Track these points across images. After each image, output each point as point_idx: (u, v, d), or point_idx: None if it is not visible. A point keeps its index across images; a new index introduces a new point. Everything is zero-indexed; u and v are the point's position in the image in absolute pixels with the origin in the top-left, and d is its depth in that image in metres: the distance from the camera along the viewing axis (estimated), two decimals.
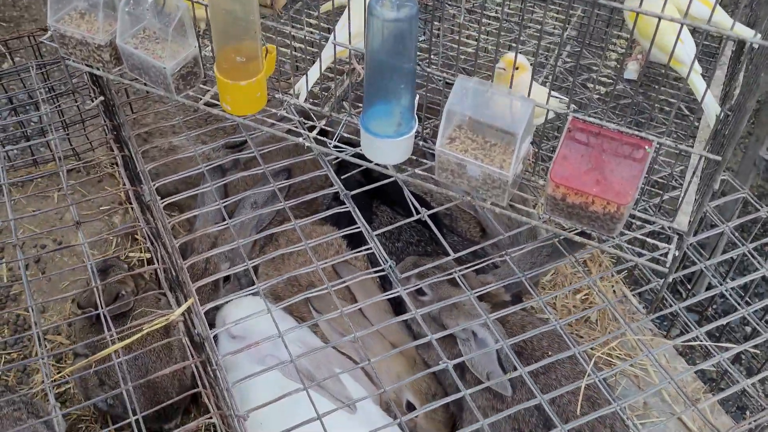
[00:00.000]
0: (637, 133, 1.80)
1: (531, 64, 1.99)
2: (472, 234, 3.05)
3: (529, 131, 1.88)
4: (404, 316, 2.15)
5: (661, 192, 2.06)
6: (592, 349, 2.97)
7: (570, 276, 3.29)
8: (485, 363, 2.39)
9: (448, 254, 2.22)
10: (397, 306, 2.82)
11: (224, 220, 2.88)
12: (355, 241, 2.80)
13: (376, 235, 2.27)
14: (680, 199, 1.94)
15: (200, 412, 2.84)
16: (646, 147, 1.78)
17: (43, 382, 1.97)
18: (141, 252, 3.37)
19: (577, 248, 2.38)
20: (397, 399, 2.64)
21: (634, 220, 2.01)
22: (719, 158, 1.74)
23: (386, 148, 2.04)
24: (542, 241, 2.48)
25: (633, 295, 3.00)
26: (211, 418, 1.95)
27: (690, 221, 1.92)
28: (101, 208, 3.56)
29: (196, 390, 2.00)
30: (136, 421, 1.91)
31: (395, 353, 2.63)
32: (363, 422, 2.44)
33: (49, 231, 3.45)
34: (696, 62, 1.97)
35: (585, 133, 1.83)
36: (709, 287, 2.61)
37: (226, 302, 2.76)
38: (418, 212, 2.32)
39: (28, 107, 3.77)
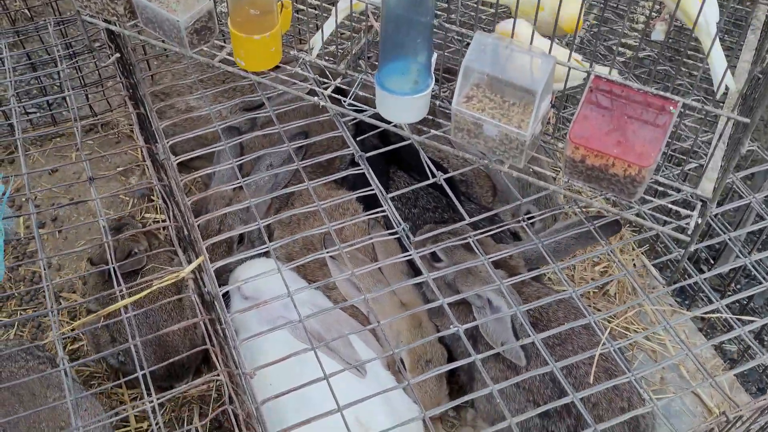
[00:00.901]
0: (662, 93, 1.72)
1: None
2: (487, 201, 2.99)
3: (548, 90, 1.81)
4: (416, 279, 2.11)
5: (685, 158, 1.99)
6: (609, 321, 2.92)
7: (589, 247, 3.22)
8: (499, 331, 2.35)
9: (464, 220, 2.17)
10: (418, 273, 2.79)
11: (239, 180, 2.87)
12: (372, 205, 2.76)
13: (390, 198, 2.23)
14: (705, 164, 1.87)
15: (210, 371, 2.83)
16: (671, 108, 1.71)
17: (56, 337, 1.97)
18: (157, 212, 3.36)
19: (608, 233, 2.32)
20: (393, 358, 2.62)
21: (656, 186, 1.95)
22: (747, 120, 1.66)
23: (402, 105, 1.98)
24: (569, 225, 2.42)
25: (653, 267, 2.94)
26: (218, 375, 1.93)
27: (715, 188, 1.85)
28: (118, 169, 3.56)
29: (204, 347, 1.98)
30: (144, 375, 1.89)
31: (401, 311, 2.62)
32: (372, 386, 2.42)
33: (66, 189, 3.46)
34: (713, 25, 1.89)
35: (607, 93, 1.76)
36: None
37: (239, 263, 2.76)
38: (433, 175, 2.27)
39: (46, 65, 3.75)
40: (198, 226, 2.85)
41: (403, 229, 2.18)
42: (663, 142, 1.72)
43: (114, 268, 2.11)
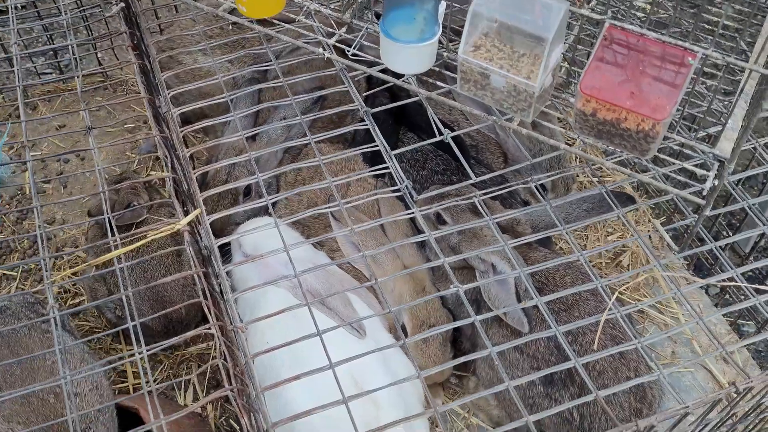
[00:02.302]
0: (680, 43, 1.62)
1: None
2: (498, 167, 2.91)
3: (560, 38, 1.72)
4: (418, 237, 2.03)
5: (698, 116, 1.89)
6: (620, 293, 2.84)
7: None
8: (502, 296, 2.28)
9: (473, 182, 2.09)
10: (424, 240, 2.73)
11: (252, 137, 2.81)
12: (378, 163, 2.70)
13: (396, 157, 2.15)
14: (724, 122, 1.77)
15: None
16: (689, 59, 1.61)
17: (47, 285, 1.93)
18: (162, 171, 3.30)
19: (624, 203, 2.23)
20: (394, 320, 2.56)
21: (670, 145, 1.85)
22: None
23: (407, 54, 1.90)
24: (582, 198, 2.34)
25: (668, 238, 2.84)
26: (209, 328, 1.88)
27: (734, 148, 1.75)
28: (126, 126, 3.51)
29: (198, 300, 1.93)
30: (135, 327, 1.85)
31: (405, 275, 2.56)
32: (372, 345, 2.36)
33: (72, 145, 3.43)
34: None
35: (622, 43, 1.66)
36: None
37: (241, 217, 2.71)
38: (441, 133, 2.19)
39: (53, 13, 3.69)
40: (206, 178, 2.82)
41: (406, 186, 2.11)
42: (679, 95, 1.63)
43: (109, 218, 2.06)
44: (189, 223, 2.10)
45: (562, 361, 2.27)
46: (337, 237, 2.63)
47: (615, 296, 1.93)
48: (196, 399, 2.62)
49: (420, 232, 2.75)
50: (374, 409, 2.23)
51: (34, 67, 3.71)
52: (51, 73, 3.84)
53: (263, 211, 2.88)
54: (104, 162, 3.37)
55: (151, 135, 2.35)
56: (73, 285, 2.90)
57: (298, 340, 1.81)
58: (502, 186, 2.19)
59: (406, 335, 2.53)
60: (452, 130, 2.27)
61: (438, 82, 2.10)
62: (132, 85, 3.67)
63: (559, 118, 2.06)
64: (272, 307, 2.29)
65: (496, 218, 2.04)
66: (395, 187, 2.11)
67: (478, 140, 2.96)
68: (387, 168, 2.15)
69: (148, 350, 1.81)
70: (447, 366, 1.91)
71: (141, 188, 2.64)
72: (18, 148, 3.39)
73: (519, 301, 2.24)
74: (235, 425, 2.55)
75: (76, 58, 2.51)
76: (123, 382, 2.62)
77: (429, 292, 2.56)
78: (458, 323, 1.92)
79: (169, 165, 2.26)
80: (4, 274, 2.96)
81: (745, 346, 2.92)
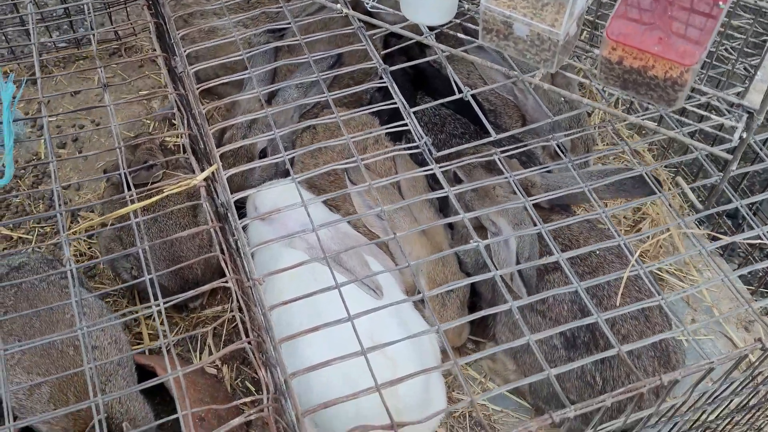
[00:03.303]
0: None
1: None
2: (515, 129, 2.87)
3: None
4: (438, 193, 2.00)
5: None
6: (641, 257, 2.80)
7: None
8: (504, 258, 2.26)
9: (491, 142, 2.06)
10: (441, 201, 2.70)
11: (269, 97, 2.78)
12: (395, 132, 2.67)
13: (413, 112, 2.12)
14: (754, 71, 1.72)
15: (226, 294, 2.79)
16: (720, 3, 1.56)
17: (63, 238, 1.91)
18: (178, 137, 3.29)
19: (648, 190, 2.19)
20: (412, 283, 2.54)
21: (697, 96, 1.81)
22: None
23: (427, 4, 1.86)
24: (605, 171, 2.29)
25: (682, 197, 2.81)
26: (226, 282, 1.86)
27: (763, 99, 1.70)
28: (141, 93, 3.49)
29: (214, 254, 1.91)
30: (151, 280, 1.84)
31: (423, 239, 2.54)
32: (390, 309, 2.34)
33: (87, 112, 3.42)
34: None
35: None
36: None
37: (257, 176, 2.70)
38: (461, 91, 2.15)
39: None
40: (222, 137, 2.80)
41: (425, 143, 2.08)
42: (709, 41, 1.58)
43: (125, 173, 2.05)
44: (205, 180, 2.08)
45: (586, 325, 2.26)
46: (354, 200, 2.61)
47: (638, 252, 1.90)
48: (212, 360, 2.61)
49: (441, 201, 2.73)
50: (392, 367, 2.21)
51: (48, 32, 3.69)
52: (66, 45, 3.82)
53: (278, 175, 2.86)
54: (119, 128, 3.35)
55: (167, 92, 2.32)
56: (89, 248, 2.89)
57: (316, 292, 1.79)
58: (521, 144, 2.16)
59: (423, 301, 2.50)
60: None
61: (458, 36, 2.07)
62: (146, 50, 3.65)
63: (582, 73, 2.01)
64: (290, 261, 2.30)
65: (516, 175, 2.01)
66: (414, 144, 2.08)
67: (496, 104, 2.92)
68: (405, 125, 2.12)
69: (165, 302, 1.80)
70: (467, 319, 1.88)
71: (157, 149, 2.62)
72: (33, 112, 3.38)
73: (519, 271, 2.23)
74: (251, 387, 2.54)
75: (91, 18, 2.48)
76: (138, 343, 2.61)
77: (446, 255, 2.53)
78: (477, 277, 1.89)
79: (185, 123, 2.24)
80: (20, 237, 2.95)
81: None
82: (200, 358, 2.62)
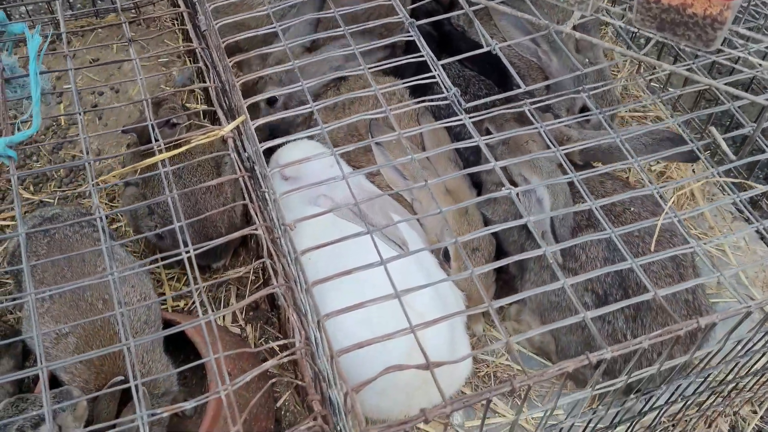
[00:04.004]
0: None
1: None
2: (540, 93, 2.84)
3: None
4: (468, 143, 1.97)
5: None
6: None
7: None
8: (535, 212, 2.24)
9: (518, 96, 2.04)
10: (464, 161, 2.68)
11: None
12: (420, 91, 2.64)
13: (441, 65, 2.10)
14: None
15: (249, 255, 2.78)
16: None
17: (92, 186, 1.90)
18: (197, 102, 3.28)
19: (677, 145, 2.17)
20: (437, 242, 2.52)
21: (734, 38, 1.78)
22: None
23: None
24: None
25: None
26: (256, 229, 1.85)
27: None
28: (160, 60, 3.48)
29: (243, 202, 1.90)
30: (181, 227, 1.82)
31: (448, 198, 2.52)
32: (416, 267, 2.33)
33: (107, 78, 3.41)
34: None
35: None
36: None
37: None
38: (488, 44, 2.13)
39: None
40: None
41: (453, 94, 2.06)
42: None
43: (152, 124, 2.03)
44: (232, 132, 2.07)
45: (618, 283, 2.23)
46: (377, 159, 2.59)
47: (672, 201, 1.88)
48: (234, 321, 2.61)
49: (462, 157, 2.72)
50: (419, 321, 2.20)
51: (70, 4, 3.69)
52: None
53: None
54: (138, 95, 3.34)
55: (192, 46, 2.31)
56: (105, 182, 2.87)
57: (347, 237, 1.78)
58: (552, 95, 2.13)
59: (448, 260, 2.49)
60: (496, 56, 2.21)
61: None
62: (165, 21, 3.64)
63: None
64: (317, 225, 2.29)
65: (547, 125, 1.98)
66: (442, 95, 2.06)
67: (520, 67, 2.89)
68: (433, 78, 2.10)
69: (195, 248, 1.79)
70: (495, 265, 1.84)
71: (179, 109, 2.61)
72: (54, 80, 3.38)
73: (552, 227, 2.21)
74: (275, 347, 2.53)
75: None
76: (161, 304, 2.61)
77: (472, 215, 2.52)
78: (505, 225, 1.87)
79: (211, 75, 2.23)
80: (41, 200, 2.95)
81: None
82: (223, 319, 2.61)
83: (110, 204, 2.90)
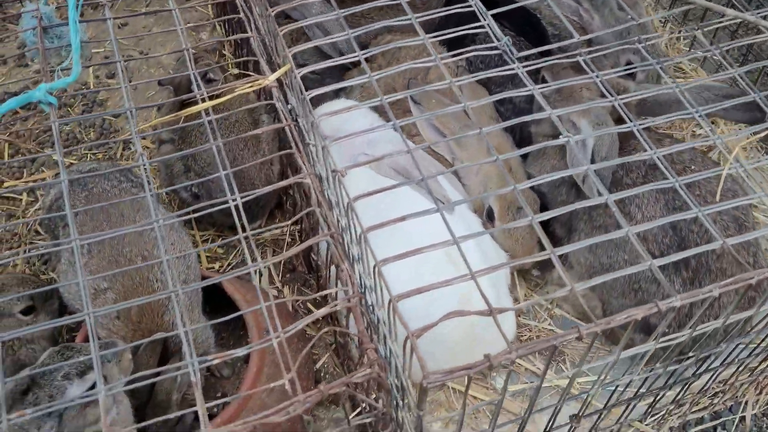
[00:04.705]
0: None
1: None
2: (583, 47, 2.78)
3: None
4: (522, 91, 1.91)
5: None
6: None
7: None
8: (580, 158, 2.16)
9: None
10: (505, 117, 2.61)
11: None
12: (458, 47, 2.58)
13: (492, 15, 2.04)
14: None
15: (284, 216, 2.73)
16: None
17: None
18: (230, 66, 3.22)
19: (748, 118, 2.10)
20: (480, 203, 2.46)
21: None
22: None
23: None
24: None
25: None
26: (304, 177, 1.80)
27: None
28: (188, 25, 3.41)
29: (290, 151, 1.84)
30: (227, 175, 1.77)
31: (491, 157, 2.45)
32: (461, 226, 2.27)
33: (136, 43, 3.36)
34: None
35: None
36: None
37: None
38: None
39: None
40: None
41: (505, 43, 1.99)
42: None
43: (194, 73, 1.98)
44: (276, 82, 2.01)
45: (677, 243, 2.16)
46: (416, 120, 2.53)
47: (736, 150, 1.81)
48: (271, 282, 2.55)
49: (502, 117, 2.65)
50: (468, 281, 2.14)
51: None
52: None
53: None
54: (168, 58, 3.30)
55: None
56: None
57: (400, 184, 1.72)
58: (606, 45, 2.06)
59: (492, 220, 2.42)
60: (536, 18, 2.15)
61: None
62: None
63: None
64: (358, 184, 2.24)
65: (605, 74, 1.91)
66: (492, 44, 1.99)
67: (560, 28, 2.82)
68: (482, 27, 2.03)
69: (242, 197, 1.74)
70: (544, 216, 1.77)
71: (215, 65, 2.55)
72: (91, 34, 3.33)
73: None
74: (312, 308, 2.48)
75: None
76: None
77: (516, 173, 2.45)
78: (540, 179, 1.80)
79: (252, 25, 2.17)
80: (71, 163, 2.90)
81: None
82: (260, 281, 2.56)
83: (152, 129, 2.84)
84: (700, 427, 2.35)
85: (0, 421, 1.48)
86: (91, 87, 3.21)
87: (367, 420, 1.67)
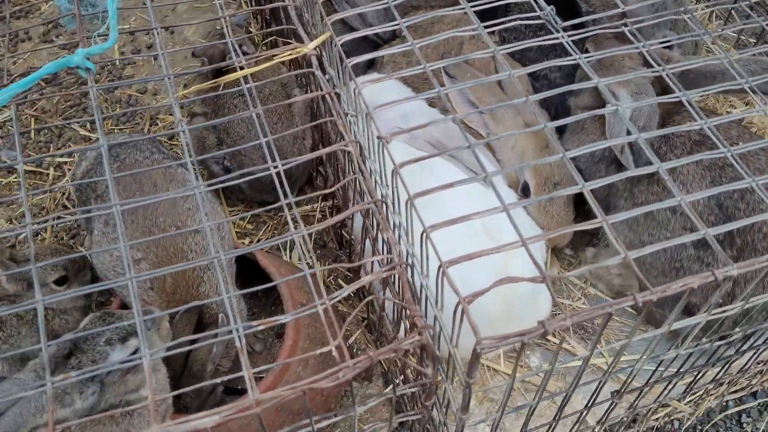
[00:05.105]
0: None
1: None
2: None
3: None
4: (567, 59, 1.86)
5: None
6: None
7: None
8: (618, 130, 2.13)
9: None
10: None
11: None
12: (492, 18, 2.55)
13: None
14: None
15: (316, 192, 2.70)
16: None
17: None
18: (254, 44, 3.19)
19: None
20: (516, 178, 2.43)
21: None
22: None
23: None
24: None
25: None
26: (346, 145, 1.77)
27: None
28: (215, 1, 3.39)
29: (324, 120, 1.81)
30: (267, 142, 1.74)
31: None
32: (496, 198, 2.24)
33: (161, 20, 3.33)
34: None
35: None
36: None
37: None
38: None
39: None
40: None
41: (548, 13, 1.95)
42: None
43: (231, 41, 1.95)
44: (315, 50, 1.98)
45: (723, 222, 2.11)
46: (451, 94, 2.50)
47: None
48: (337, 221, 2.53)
49: (534, 89, 2.61)
50: (506, 255, 2.10)
51: None
52: None
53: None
54: (194, 35, 3.27)
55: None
56: (171, 149, 2.82)
57: (446, 151, 1.69)
58: (652, 15, 2.01)
59: (528, 195, 2.39)
60: None
61: None
62: None
63: None
64: (394, 155, 2.21)
65: (652, 43, 1.87)
66: (535, 14, 1.95)
67: (595, 5, 2.78)
68: None
69: (283, 164, 1.71)
70: (607, 181, 1.74)
71: (247, 39, 2.52)
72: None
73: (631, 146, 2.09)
74: (343, 284, 2.46)
75: None
76: None
77: (552, 148, 2.41)
78: (575, 151, 1.77)
79: None
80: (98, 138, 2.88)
81: None
82: (290, 257, 2.53)
83: (170, 142, 2.83)
84: (723, 414, 2.32)
85: (45, 384, 1.47)
86: (117, 63, 3.18)
87: (413, 390, 1.65)
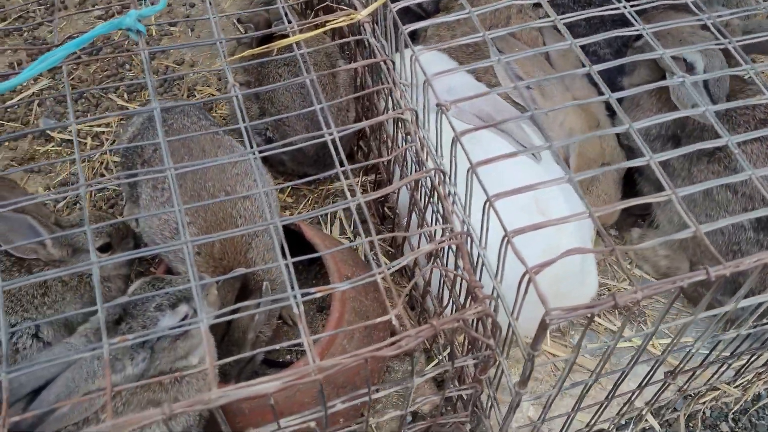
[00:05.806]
0: None
1: None
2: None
3: None
4: (623, 31, 1.80)
5: None
6: None
7: None
8: (689, 95, 2.06)
9: None
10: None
11: None
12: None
13: None
14: None
15: (354, 170, 2.66)
16: None
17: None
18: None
19: None
20: (565, 154, 2.37)
21: None
22: None
23: None
24: None
25: None
26: (402, 113, 1.73)
27: None
28: None
29: (377, 87, 1.77)
30: (322, 109, 1.70)
31: (576, 108, 2.37)
32: (545, 174, 2.19)
33: None
34: None
35: None
36: None
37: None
38: None
39: None
40: None
41: None
42: None
43: (283, 6, 1.91)
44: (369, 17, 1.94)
45: None
46: (496, 68, 2.45)
47: None
48: (342, 233, 2.50)
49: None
50: (557, 232, 2.06)
51: None
52: None
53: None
54: (231, 8, 3.23)
55: None
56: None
57: (504, 120, 1.65)
58: None
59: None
60: None
61: None
62: None
63: None
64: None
65: (714, 16, 1.81)
66: None
67: None
68: None
69: (339, 130, 1.68)
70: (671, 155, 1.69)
71: (291, 9, 2.47)
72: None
73: (709, 95, 2.02)
74: (385, 260, 2.42)
75: None
76: None
77: (603, 126, 2.36)
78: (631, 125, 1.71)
79: None
80: (135, 108, 2.86)
81: None
82: (331, 231, 2.50)
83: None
84: (737, 407, 2.27)
85: (98, 348, 1.44)
86: (153, 34, 3.15)
87: (474, 361, 1.61)
